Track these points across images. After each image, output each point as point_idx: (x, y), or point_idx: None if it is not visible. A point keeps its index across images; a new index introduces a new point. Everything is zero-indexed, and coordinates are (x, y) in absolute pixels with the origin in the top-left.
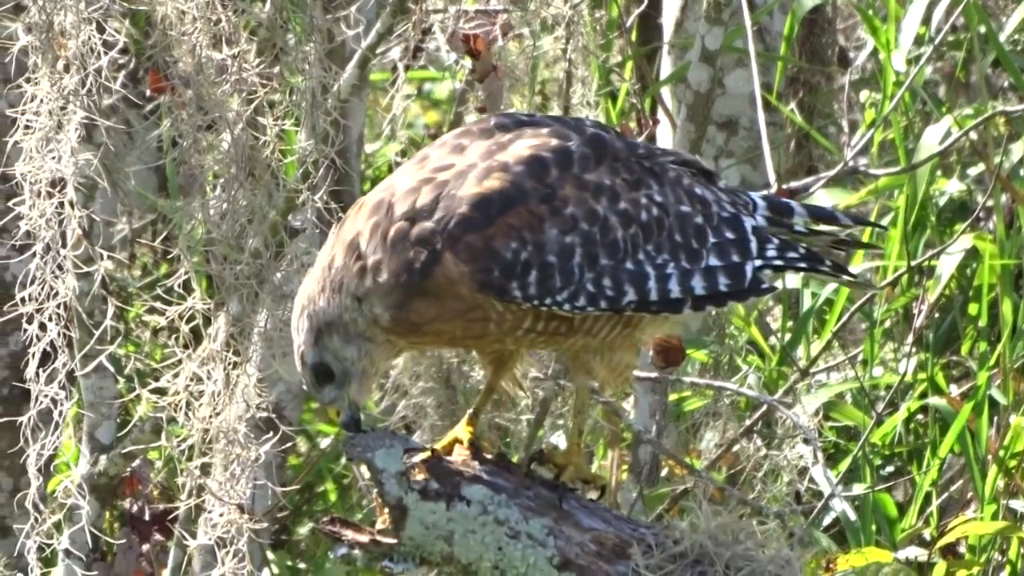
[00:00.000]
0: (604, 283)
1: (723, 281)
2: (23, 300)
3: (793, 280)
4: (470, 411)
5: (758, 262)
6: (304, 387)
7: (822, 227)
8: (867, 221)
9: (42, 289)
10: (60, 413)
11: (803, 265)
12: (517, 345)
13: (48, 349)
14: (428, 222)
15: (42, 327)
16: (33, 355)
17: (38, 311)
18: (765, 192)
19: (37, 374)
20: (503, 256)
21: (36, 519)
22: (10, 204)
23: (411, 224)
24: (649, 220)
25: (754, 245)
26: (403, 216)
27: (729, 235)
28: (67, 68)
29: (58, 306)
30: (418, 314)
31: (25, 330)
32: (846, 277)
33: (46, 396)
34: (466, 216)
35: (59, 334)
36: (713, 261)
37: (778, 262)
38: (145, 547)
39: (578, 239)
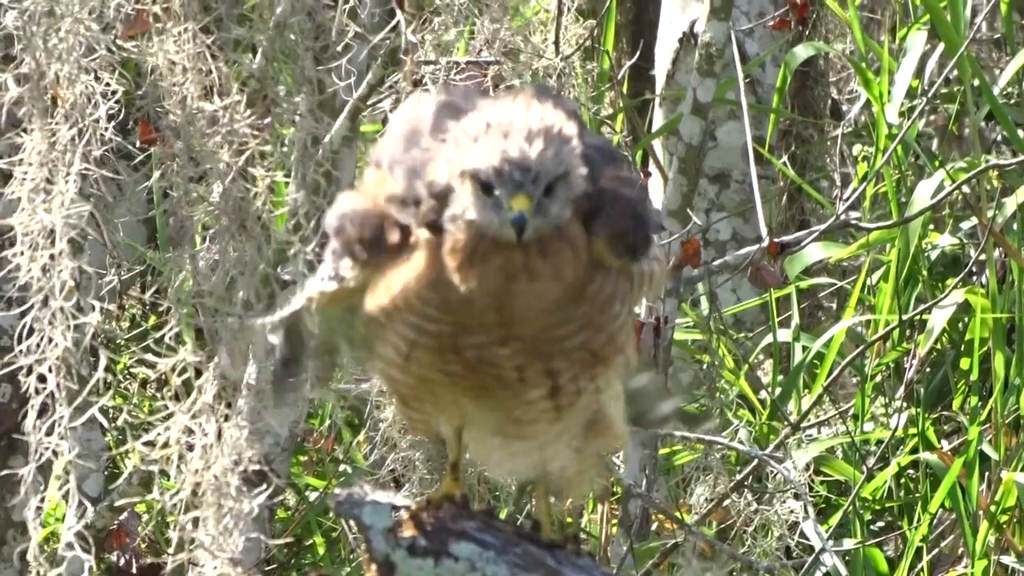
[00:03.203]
0: None
1: None
2: (21, 352)
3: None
4: (450, 463)
5: None
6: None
7: None
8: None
9: (40, 341)
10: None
11: None
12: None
13: (47, 401)
14: None
15: (41, 379)
16: (32, 407)
17: (38, 363)
18: None
19: (35, 426)
20: None
21: (38, 573)
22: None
23: None
24: None
25: None
26: None
27: None
28: (64, 119)
29: (57, 358)
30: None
31: (17, 383)
32: None
33: (47, 448)
34: None
35: (58, 385)
36: None
37: None
38: None
39: None
